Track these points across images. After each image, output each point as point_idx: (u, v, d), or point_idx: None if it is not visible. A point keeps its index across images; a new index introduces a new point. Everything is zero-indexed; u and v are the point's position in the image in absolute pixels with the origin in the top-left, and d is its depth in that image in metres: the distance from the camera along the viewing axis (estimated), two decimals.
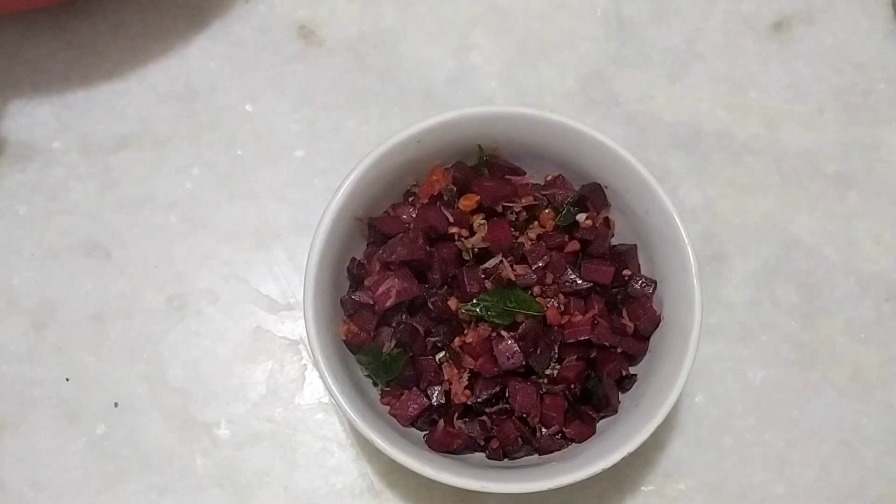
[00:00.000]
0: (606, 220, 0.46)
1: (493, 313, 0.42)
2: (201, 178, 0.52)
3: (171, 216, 0.51)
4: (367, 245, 0.46)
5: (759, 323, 0.51)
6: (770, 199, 0.53)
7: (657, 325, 0.44)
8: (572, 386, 0.43)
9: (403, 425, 0.44)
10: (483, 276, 0.43)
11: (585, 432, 0.43)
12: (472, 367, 0.43)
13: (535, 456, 0.44)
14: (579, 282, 0.43)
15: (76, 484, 0.47)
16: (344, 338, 0.44)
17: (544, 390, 0.43)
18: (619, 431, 0.42)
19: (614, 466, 0.40)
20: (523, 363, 0.42)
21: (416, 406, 0.43)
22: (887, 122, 0.54)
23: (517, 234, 0.45)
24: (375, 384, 0.45)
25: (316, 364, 0.41)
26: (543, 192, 0.46)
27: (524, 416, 0.43)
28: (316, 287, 0.42)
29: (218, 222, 0.51)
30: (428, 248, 0.44)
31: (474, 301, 0.42)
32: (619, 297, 0.45)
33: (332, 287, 0.44)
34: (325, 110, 0.53)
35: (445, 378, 0.43)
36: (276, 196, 0.52)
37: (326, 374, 0.41)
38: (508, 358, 0.42)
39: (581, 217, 0.45)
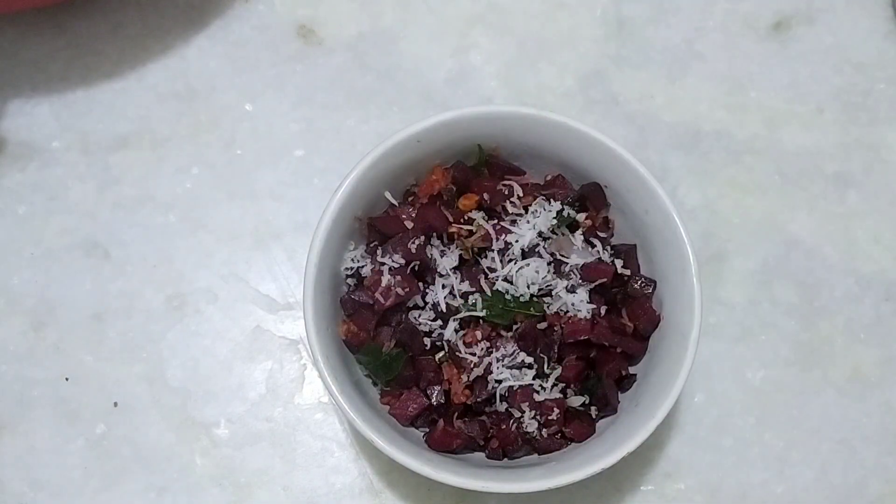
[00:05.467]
0: (606, 219, 0.46)
1: (493, 313, 0.42)
2: (200, 178, 0.52)
3: (170, 216, 0.51)
4: (367, 245, 0.46)
5: (758, 323, 0.51)
6: (770, 199, 0.53)
7: (657, 325, 0.44)
8: (572, 386, 0.43)
9: (403, 425, 0.44)
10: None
11: (585, 432, 0.43)
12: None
13: (535, 456, 0.44)
14: (579, 281, 0.43)
15: (76, 484, 0.47)
16: (344, 337, 0.44)
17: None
18: (618, 431, 0.42)
19: (614, 466, 0.40)
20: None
21: (415, 406, 0.43)
22: (887, 122, 0.54)
23: None
24: (375, 384, 0.45)
25: (316, 364, 0.41)
26: (543, 192, 0.46)
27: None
28: (316, 287, 0.42)
29: (217, 222, 0.51)
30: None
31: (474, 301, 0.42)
32: (618, 296, 0.45)
33: (331, 287, 0.44)
34: (325, 110, 0.53)
35: (445, 378, 0.43)
36: (275, 196, 0.52)
37: (326, 374, 0.41)
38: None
39: (581, 217, 0.45)
